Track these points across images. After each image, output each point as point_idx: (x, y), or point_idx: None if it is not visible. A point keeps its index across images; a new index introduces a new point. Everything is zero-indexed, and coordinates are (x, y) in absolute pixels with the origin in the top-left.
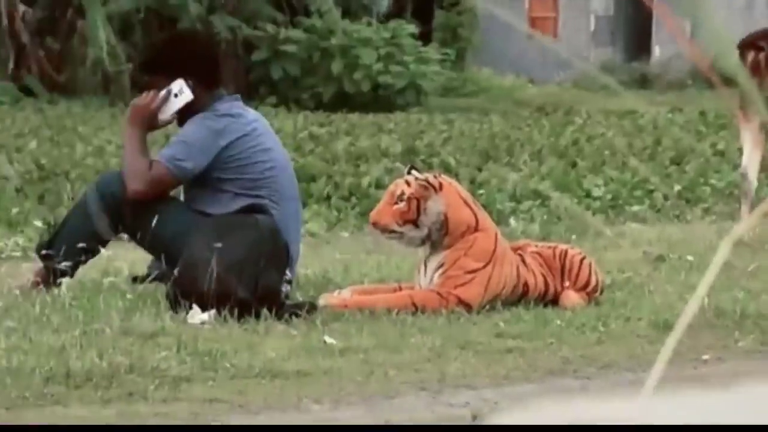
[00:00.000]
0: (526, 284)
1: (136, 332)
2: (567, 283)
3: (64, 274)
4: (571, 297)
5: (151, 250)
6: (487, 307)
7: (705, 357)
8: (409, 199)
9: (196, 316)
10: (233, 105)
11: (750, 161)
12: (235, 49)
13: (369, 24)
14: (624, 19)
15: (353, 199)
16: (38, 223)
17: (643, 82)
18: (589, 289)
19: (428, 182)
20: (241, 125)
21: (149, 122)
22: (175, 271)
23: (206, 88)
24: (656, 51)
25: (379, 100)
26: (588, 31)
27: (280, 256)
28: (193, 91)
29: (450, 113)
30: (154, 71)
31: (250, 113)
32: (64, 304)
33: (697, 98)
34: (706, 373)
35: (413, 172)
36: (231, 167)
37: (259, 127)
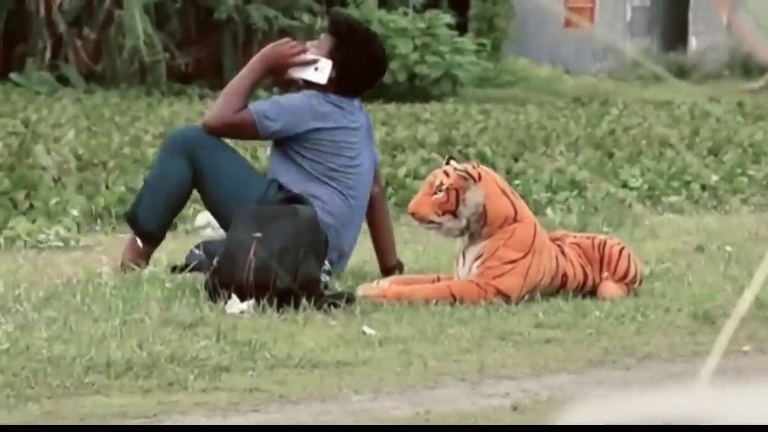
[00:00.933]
0: (564, 275)
1: (176, 322)
2: (606, 274)
3: (155, 238)
4: (610, 288)
5: (208, 204)
6: (526, 297)
7: (746, 348)
8: (447, 189)
9: (235, 305)
10: (345, 100)
11: None
12: (271, 39)
13: (405, 14)
14: (661, 10)
15: (390, 189)
16: (75, 213)
17: (680, 73)
18: (628, 279)
19: (467, 173)
20: (343, 118)
21: (276, 69)
22: (214, 261)
23: (339, 89)
24: (693, 42)
25: (415, 90)
26: (624, 22)
27: (320, 246)
28: (329, 82)
29: (486, 103)
30: (331, 35)
31: (360, 114)
32: (104, 293)
33: (734, 89)
34: (746, 365)
35: (452, 162)
36: (315, 149)
37: (361, 128)
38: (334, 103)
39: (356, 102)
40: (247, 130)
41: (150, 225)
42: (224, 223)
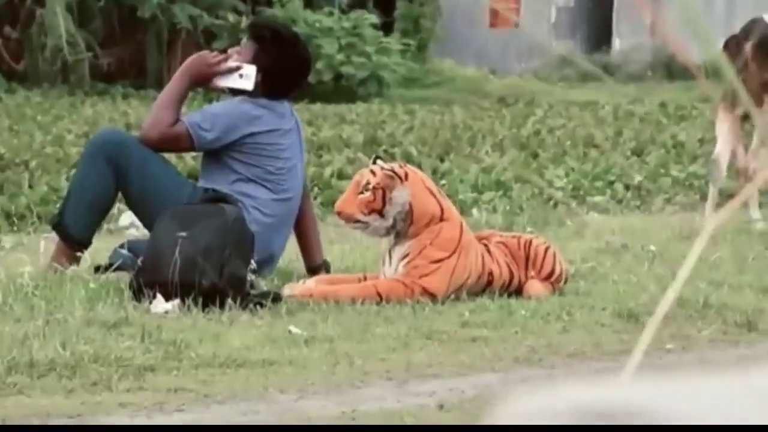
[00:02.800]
0: (491, 274)
1: (100, 321)
2: (532, 273)
3: (83, 244)
4: (536, 287)
5: (132, 206)
6: (452, 296)
7: (669, 347)
8: (374, 188)
9: (160, 305)
10: (275, 102)
11: (723, 150)
12: (195, 38)
13: (331, 14)
14: (585, 11)
15: (316, 189)
16: None
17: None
18: (554, 278)
19: (394, 172)
20: (276, 120)
21: (202, 79)
22: (139, 260)
23: (267, 93)
24: (617, 43)
25: (340, 90)
26: (549, 23)
27: (246, 245)
28: (256, 86)
29: (412, 104)
30: (253, 40)
31: (290, 114)
32: (26, 293)
33: (657, 90)
34: (670, 363)
35: (378, 161)
36: (251, 154)
37: (293, 129)
38: (265, 107)
39: (287, 104)
40: (184, 143)
41: (76, 231)
42: (148, 224)
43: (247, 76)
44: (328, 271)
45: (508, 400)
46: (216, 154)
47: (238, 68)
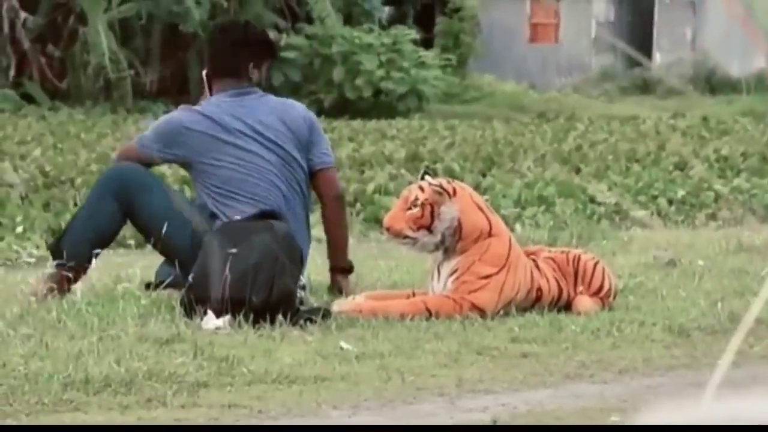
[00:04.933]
0: (539, 289)
1: (152, 338)
2: (581, 288)
3: (74, 277)
4: (585, 302)
5: (161, 251)
6: (501, 312)
7: (720, 362)
8: (423, 204)
9: (211, 321)
10: (222, 100)
11: None
12: None
13: (371, 30)
14: (625, 25)
15: (358, 205)
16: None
17: (644, 88)
18: (603, 293)
19: (442, 187)
20: (211, 126)
21: None
22: (190, 277)
23: (213, 79)
24: (657, 57)
25: (380, 106)
26: (589, 38)
27: (295, 261)
28: (207, 84)
29: (452, 119)
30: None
31: (232, 112)
32: (79, 310)
33: (699, 104)
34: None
35: (426, 177)
36: (195, 172)
37: (238, 128)
38: (203, 112)
39: (232, 99)
40: (132, 154)
41: (74, 257)
42: (164, 253)
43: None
44: (352, 270)
45: (649, 413)
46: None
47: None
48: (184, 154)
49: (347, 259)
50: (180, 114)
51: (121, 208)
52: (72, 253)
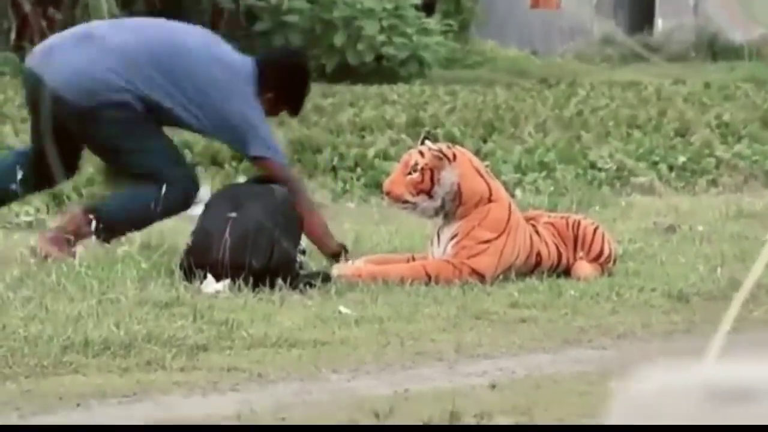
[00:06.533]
0: (539, 254)
1: (152, 301)
2: (580, 254)
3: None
4: (585, 267)
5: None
6: (501, 277)
7: (719, 327)
8: (422, 169)
9: (210, 285)
10: None
11: None
12: (237, 19)
13: None
14: None
15: (358, 170)
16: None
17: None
18: (602, 259)
19: (442, 152)
20: None
21: None
22: (189, 241)
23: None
24: (659, 23)
25: (381, 71)
26: (591, 3)
27: (294, 225)
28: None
29: (453, 84)
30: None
31: None
32: (79, 273)
33: (700, 70)
34: (723, 344)
35: (427, 142)
36: None
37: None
38: None
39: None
40: None
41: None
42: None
43: None
44: (347, 252)
45: (637, 376)
46: None
47: None
48: None
49: (335, 242)
50: None
51: None
52: None
